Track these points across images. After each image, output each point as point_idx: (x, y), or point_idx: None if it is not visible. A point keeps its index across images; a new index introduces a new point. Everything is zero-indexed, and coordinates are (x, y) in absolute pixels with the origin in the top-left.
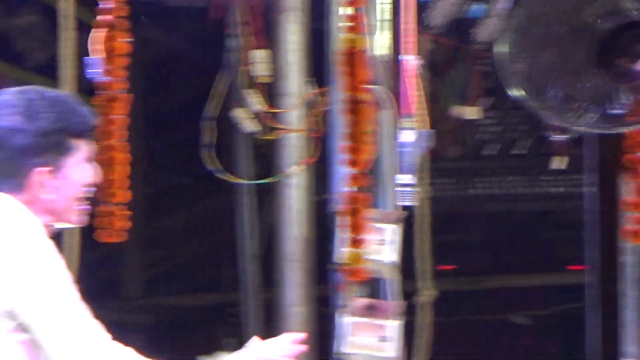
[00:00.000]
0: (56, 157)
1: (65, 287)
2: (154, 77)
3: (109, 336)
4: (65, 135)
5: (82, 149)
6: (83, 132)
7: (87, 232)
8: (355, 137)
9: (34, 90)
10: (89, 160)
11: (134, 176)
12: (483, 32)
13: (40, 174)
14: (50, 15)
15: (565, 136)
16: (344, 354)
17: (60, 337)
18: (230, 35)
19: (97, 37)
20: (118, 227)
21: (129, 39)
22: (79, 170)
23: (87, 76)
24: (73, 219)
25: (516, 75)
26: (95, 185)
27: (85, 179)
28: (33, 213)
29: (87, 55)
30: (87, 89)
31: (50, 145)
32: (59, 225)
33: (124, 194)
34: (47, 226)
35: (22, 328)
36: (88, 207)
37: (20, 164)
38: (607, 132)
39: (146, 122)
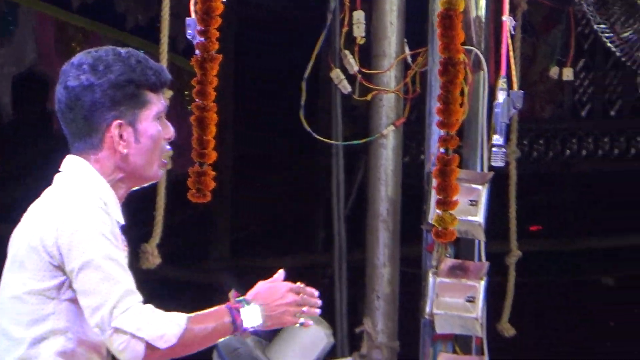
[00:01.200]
0: (130, 110)
1: (104, 255)
2: (252, 38)
3: (147, 306)
4: (138, 87)
5: (157, 103)
6: (156, 85)
7: (177, 192)
8: (449, 99)
9: (104, 48)
10: (164, 115)
11: (227, 138)
12: None
13: (115, 128)
14: None
15: None
16: (432, 314)
17: (89, 303)
18: None
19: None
20: (209, 187)
21: (224, 1)
22: (154, 124)
23: (186, 37)
24: (151, 175)
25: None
26: (185, 144)
27: (161, 133)
28: (109, 172)
29: (187, 16)
30: (186, 50)
31: (123, 98)
32: (138, 183)
33: (214, 155)
34: (123, 183)
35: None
36: (165, 162)
37: (95, 120)
38: None
39: (240, 84)
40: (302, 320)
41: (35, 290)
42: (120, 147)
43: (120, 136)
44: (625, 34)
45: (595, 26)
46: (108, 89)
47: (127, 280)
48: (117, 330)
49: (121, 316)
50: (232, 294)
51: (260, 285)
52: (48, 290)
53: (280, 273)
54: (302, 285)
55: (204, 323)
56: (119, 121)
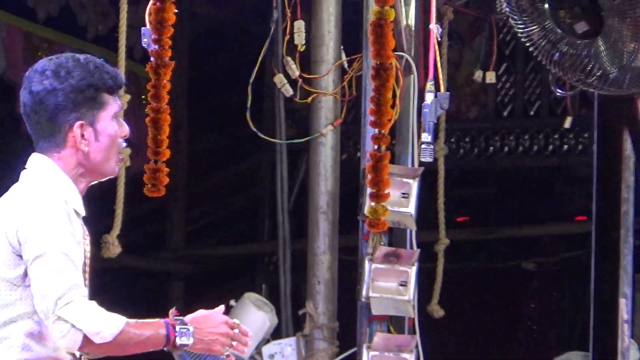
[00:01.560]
0: (90, 111)
1: (57, 241)
2: (204, 46)
3: (90, 302)
4: (97, 90)
5: (113, 104)
6: (112, 88)
7: (135, 188)
8: (381, 101)
9: (64, 55)
10: (120, 115)
11: (180, 137)
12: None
13: (77, 128)
14: None
15: (573, 93)
16: (368, 297)
17: (37, 291)
18: (274, 8)
19: (151, 11)
20: (163, 183)
21: (176, 12)
22: (112, 124)
23: (142, 45)
24: (109, 170)
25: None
26: (142, 144)
27: (117, 132)
28: (71, 168)
29: (143, 26)
30: (142, 58)
31: (83, 100)
32: (97, 178)
33: (168, 153)
34: (84, 178)
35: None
36: (122, 158)
37: (58, 121)
38: (609, 93)
39: (193, 88)
40: (227, 352)
41: (3, 278)
42: (82, 145)
43: (82, 135)
44: (533, 28)
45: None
46: (70, 92)
47: (75, 275)
48: (59, 318)
49: (65, 307)
50: (172, 311)
51: (200, 311)
52: (14, 278)
53: (221, 308)
54: (238, 322)
55: (140, 330)
56: (80, 122)
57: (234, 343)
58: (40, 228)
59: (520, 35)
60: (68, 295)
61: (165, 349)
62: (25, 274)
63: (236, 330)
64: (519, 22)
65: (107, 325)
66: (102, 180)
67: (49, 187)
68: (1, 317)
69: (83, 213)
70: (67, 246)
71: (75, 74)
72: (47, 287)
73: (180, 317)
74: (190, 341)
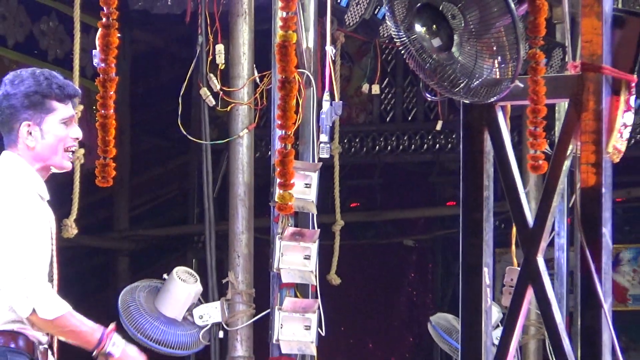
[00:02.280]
0: (37, 113)
1: (22, 221)
2: (143, 64)
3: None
4: (43, 97)
5: (62, 111)
6: (60, 96)
7: (89, 180)
8: (286, 108)
9: (25, 69)
10: (68, 120)
11: (124, 139)
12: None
13: (24, 126)
14: (66, 21)
15: (441, 98)
16: (279, 268)
17: (2, 257)
18: (199, 34)
19: (99, 36)
20: (111, 175)
21: (119, 37)
22: (59, 126)
23: (92, 65)
24: (57, 163)
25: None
26: (94, 145)
27: (64, 132)
28: (29, 161)
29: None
30: (94, 75)
31: (30, 104)
32: (48, 169)
33: (114, 151)
34: (42, 170)
35: None
36: (70, 155)
37: (12, 121)
38: (471, 101)
39: (134, 99)
40: None
41: None
42: (27, 141)
43: (29, 133)
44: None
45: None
46: (19, 97)
47: (37, 256)
48: (18, 290)
49: (24, 282)
50: (113, 324)
51: (135, 349)
52: None
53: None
54: None
55: (79, 323)
56: (27, 122)
57: None
58: (9, 207)
59: (401, 50)
60: (26, 269)
61: (93, 353)
62: None
63: None
64: (397, 33)
65: (53, 306)
66: (58, 172)
67: (17, 174)
68: None
69: (47, 197)
70: (34, 224)
71: (26, 82)
72: (12, 263)
73: (117, 334)
74: (117, 353)
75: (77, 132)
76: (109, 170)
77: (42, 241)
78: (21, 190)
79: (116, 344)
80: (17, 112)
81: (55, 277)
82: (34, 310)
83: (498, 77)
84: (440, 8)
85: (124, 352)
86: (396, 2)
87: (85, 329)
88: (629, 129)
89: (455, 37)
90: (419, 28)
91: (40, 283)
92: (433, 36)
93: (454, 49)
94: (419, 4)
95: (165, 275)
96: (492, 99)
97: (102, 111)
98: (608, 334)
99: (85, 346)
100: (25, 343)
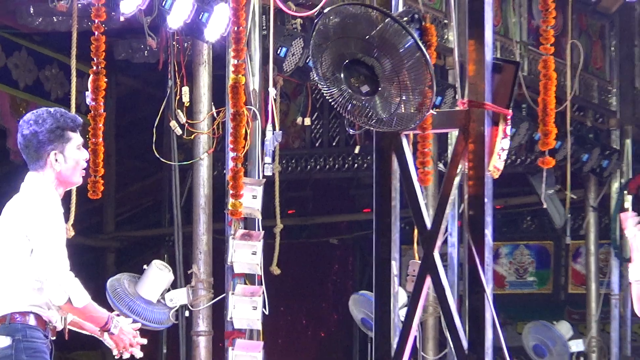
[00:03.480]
0: (60, 144)
1: (53, 229)
2: (125, 102)
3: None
4: (63, 130)
5: (76, 138)
6: (74, 127)
7: (83, 193)
8: (237, 135)
9: (41, 109)
10: (80, 145)
11: (110, 161)
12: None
13: (53, 155)
14: (65, 68)
15: (360, 131)
16: (232, 261)
17: (41, 257)
18: (169, 79)
19: (91, 81)
20: (100, 190)
21: (106, 81)
22: (76, 151)
23: (86, 103)
24: (76, 181)
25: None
26: (86, 162)
27: (79, 157)
28: (49, 181)
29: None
30: (86, 111)
31: (55, 137)
32: (68, 186)
33: (102, 171)
34: (60, 187)
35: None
36: (83, 173)
37: (41, 152)
38: (383, 130)
39: (119, 129)
40: (120, 353)
41: (16, 253)
42: (55, 166)
43: (56, 160)
44: (333, 90)
45: (323, 90)
46: (45, 133)
47: (65, 252)
48: (56, 282)
49: (60, 275)
50: (115, 312)
51: (128, 324)
52: (24, 253)
53: (137, 325)
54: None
55: (96, 309)
56: (54, 151)
57: (130, 348)
58: (43, 217)
59: (325, 94)
60: (62, 267)
61: (99, 329)
62: (31, 250)
63: (136, 339)
64: (325, 86)
65: (83, 297)
66: (73, 187)
67: (45, 192)
68: (15, 277)
69: (62, 210)
70: (61, 230)
71: (48, 121)
72: (49, 258)
73: (119, 317)
74: (115, 332)
75: (86, 154)
76: (98, 186)
77: (64, 243)
78: (53, 202)
79: (116, 325)
80: (44, 144)
81: None
82: (69, 300)
83: (404, 111)
84: (362, 60)
85: (121, 330)
86: (322, 60)
87: (100, 314)
88: (506, 152)
89: (380, 82)
90: (346, 79)
91: (71, 277)
92: (361, 84)
93: (377, 93)
94: (345, 62)
95: (145, 266)
96: (398, 129)
97: (93, 139)
98: (490, 313)
99: (95, 325)
100: (39, 321)
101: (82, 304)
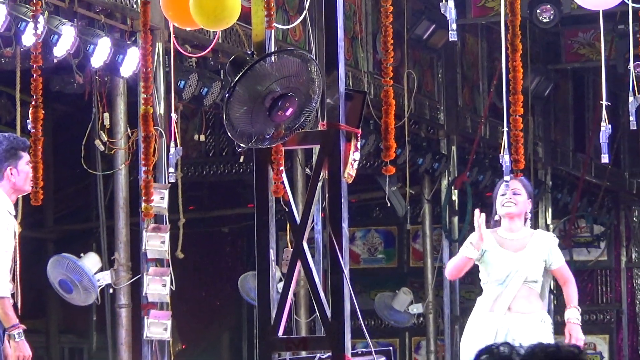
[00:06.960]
0: (14, 160)
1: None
2: (60, 126)
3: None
4: (16, 149)
5: (25, 157)
6: (24, 148)
7: (27, 199)
8: (148, 151)
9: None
10: (29, 161)
11: (49, 174)
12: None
13: (9, 170)
14: (12, 98)
15: (247, 147)
16: (146, 249)
17: None
18: (93, 106)
19: (31, 112)
20: (40, 197)
21: (43, 112)
22: (26, 166)
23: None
24: (26, 190)
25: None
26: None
27: (29, 170)
28: (7, 190)
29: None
30: (29, 132)
31: (10, 156)
32: (20, 193)
33: (42, 183)
34: (14, 194)
35: None
36: (31, 184)
37: (1, 166)
38: (261, 147)
39: (56, 148)
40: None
41: None
42: (11, 178)
43: (11, 173)
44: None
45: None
46: (3, 152)
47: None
48: None
49: None
50: (23, 327)
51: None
52: None
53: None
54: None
55: (11, 308)
56: (10, 167)
57: None
58: None
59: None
60: None
61: (3, 331)
62: None
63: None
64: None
65: (3, 288)
66: (23, 195)
67: (1, 199)
68: None
69: (14, 213)
70: (6, 231)
71: (4, 143)
72: None
73: (22, 327)
74: (19, 340)
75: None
76: (38, 195)
77: (6, 243)
78: (5, 209)
79: (20, 335)
80: (1, 161)
81: (18, 264)
82: None
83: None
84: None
85: (23, 342)
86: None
87: (12, 314)
88: (357, 162)
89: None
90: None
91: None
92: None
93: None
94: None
95: (82, 255)
96: (265, 145)
97: (34, 158)
98: (347, 288)
99: (4, 323)
100: None
101: (1, 294)
